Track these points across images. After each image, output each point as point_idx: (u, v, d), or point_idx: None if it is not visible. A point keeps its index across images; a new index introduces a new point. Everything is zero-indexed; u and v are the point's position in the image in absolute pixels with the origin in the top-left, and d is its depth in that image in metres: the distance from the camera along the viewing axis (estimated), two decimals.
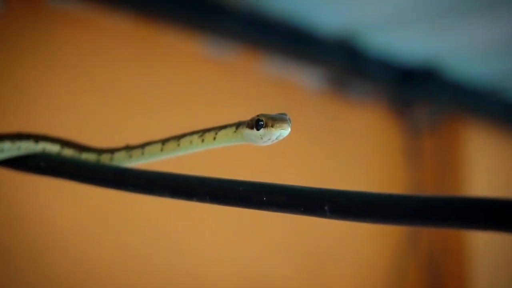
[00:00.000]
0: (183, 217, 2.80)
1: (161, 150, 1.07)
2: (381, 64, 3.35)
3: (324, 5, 2.93)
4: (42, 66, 2.51)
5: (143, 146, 1.08)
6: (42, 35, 2.53)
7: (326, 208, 0.83)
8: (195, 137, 1.05)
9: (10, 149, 1.10)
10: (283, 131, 0.97)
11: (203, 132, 1.04)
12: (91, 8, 2.63)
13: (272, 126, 0.97)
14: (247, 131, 0.99)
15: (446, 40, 3.22)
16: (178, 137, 1.06)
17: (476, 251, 3.53)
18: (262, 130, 0.98)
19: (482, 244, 3.55)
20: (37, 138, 1.12)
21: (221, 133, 1.03)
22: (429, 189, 3.53)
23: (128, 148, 1.09)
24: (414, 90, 3.47)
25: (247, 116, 1.01)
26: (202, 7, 2.82)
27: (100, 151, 1.11)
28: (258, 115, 0.98)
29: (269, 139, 0.98)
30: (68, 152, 1.12)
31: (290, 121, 0.97)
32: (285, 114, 0.98)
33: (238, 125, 1.01)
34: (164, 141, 1.07)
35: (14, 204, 2.42)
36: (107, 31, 2.67)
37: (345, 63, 3.24)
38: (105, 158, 1.10)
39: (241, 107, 2.89)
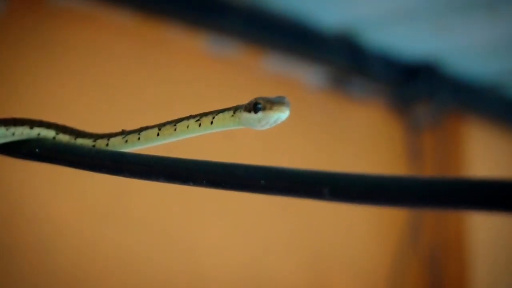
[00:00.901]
0: (183, 214, 2.79)
1: (158, 135, 1.05)
2: (382, 62, 3.34)
3: (325, 2, 2.92)
4: (43, 64, 2.50)
5: (139, 131, 1.06)
6: (43, 33, 2.52)
7: (325, 191, 0.81)
8: (192, 122, 1.03)
9: (4, 135, 1.08)
10: (281, 114, 0.95)
11: (200, 116, 1.03)
12: (92, 5, 2.62)
13: (270, 109, 0.95)
14: (245, 115, 0.98)
15: (448, 38, 3.21)
16: (175, 122, 1.04)
17: (477, 248, 3.52)
18: (260, 113, 0.96)
19: (483, 240, 3.54)
20: (32, 123, 1.10)
21: (219, 117, 1.01)
22: None
23: (124, 133, 1.08)
24: (415, 88, 3.46)
25: None
26: (204, 4, 2.81)
27: (95, 136, 1.09)
28: (256, 98, 0.96)
29: (267, 123, 0.96)
30: (64, 138, 1.10)
31: (288, 104, 0.95)
32: (284, 97, 0.96)
33: (235, 108, 1.00)
34: (160, 126, 1.05)
35: (13, 201, 2.40)
36: (109, 29, 2.66)
37: (346, 60, 3.23)
38: (100, 144, 1.08)
39: (242, 103, 2.87)
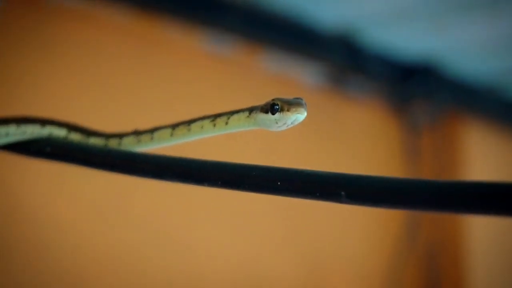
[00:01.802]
0: (181, 213, 2.79)
1: (171, 135, 1.05)
2: (380, 61, 3.35)
3: (324, 1, 2.92)
4: (41, 63, 2.49)
5: (152, 131, 1.06)
6: (41, 32, 2.51)
7: (342, 193, 0.81)
8: (207, 122, 1.02)
9: (15, 133, 1.08)
10: (299, 115, 0.96)
11: (214, 116, 1.02)
12: (91, 4, 2.61)
13: (288, 110, 0.95)
14: (262, 116, 0.97)
15: (446, 38, 3.21)
16: (189, 122, 1.04)
17: (474, 247, 3.53)
18: (277, 115, 0.96)
19: (480, 239, 3.55)
20: (43, 122, 1.09)
21: (234, 117, 1.00)
22: None
23: (136, 132, 1.07)
24: (413, 87, 3.46)
25: None
26: (203, 2, 2.81)
27: (108, 136, 1.09)
28: (273, 99, 0.96)
29: (284, 124, 0.96)
30: (75, 137, 1.10)
31: (306, 105, 0.96)
32: (301, 99, 0.96)
33: (251, 109, 0.99)
34: (174, 126, 1.05)
35: (12, 201, 2.40)
36: (107, 28, 2.65)
37: (344, 59, 3.23)
38: (113, 143, 1.08)
39: (240, 102, 2.86)
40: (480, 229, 3.54)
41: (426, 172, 3.53)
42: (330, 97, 3.31)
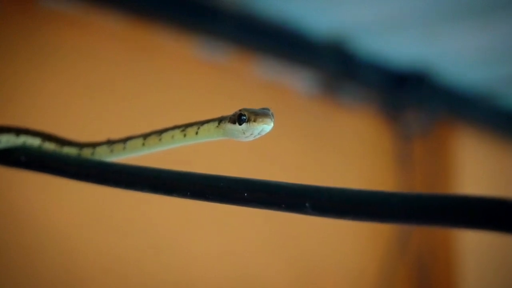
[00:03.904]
0: (175, 216, 2.79)
1: (143, 144, 1.05)
2: (373, 69, 3.35)
3: (316, 8, 2.92)
4: (33, 68, 2.50)
5: (124, 140, 1.07)
6: (34, 38, 2.51)
7: (307, 205, 0.81)
8: (177, 132, 1.03)
9: None
10: (265, 126, 0.96)
11: (185, 126, 1.03)
12: (83, 9, 2.61)
13: (254, 121, 0.95)
14: (229, 126, 0.98)
15: (438, 46, 3.22)
16: (160, 132, 1.04)
17: (465, 256, 3.53)
18: (244, 125, 0.96)
19: (470, 248, 3.55)
20: (18, 131, 1.09)
21: (204, 127, 1.01)
22: None
23: (109, 142, 1.08)
24: (405, 95, 3.46)
25: None
26: (194, 9, 2.81)
27: (81, 145, 1.09)
28: (240, 110, 0.97)
29: (251, 134, 0.97)
30: (50, 146, 1.10)
31: (273, 116, 0.96)
32: (268, 109, 0.96)
33: (220, 119, 1.00)
34: (145, 136, 1.05)
35: (5, 204, 2.40)
36: (100, 33, 2.66)
37: (337, 67, 3.23)
38: (86, 153, 1.08)
39: (232, 108, 2.86)
40: (471, 238, 3.54)
41: (418, 180, 3.53)
42: (322, 104, 3.31)
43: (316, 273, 3.18)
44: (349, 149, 3.40)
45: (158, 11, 2.76)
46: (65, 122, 2.53)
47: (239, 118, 0.96)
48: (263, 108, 0.96)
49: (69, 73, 2.58)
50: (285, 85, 3.20)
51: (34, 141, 1.10)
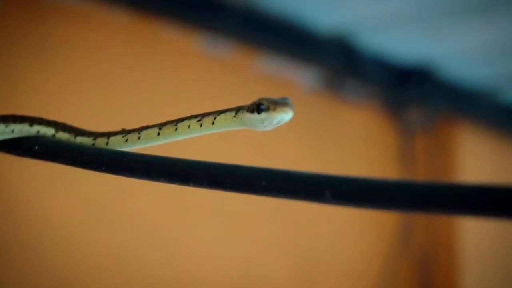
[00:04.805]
0: (176, 214, 2.79)
1: (158, 134, 1.05)
2: (376, 65, 3.35)
3: (320, 4, 2.92)
4: (38, 61, 2.49)
5: (139, 130, 1.06)
6: (38, 32, 2.51)
7: (327, 193, 0.81)
8: (194, 122, 1.02)
9: (3, 132, 1.07)
10: (285, 115, 0.95)
11: (202, 116, 1.02)
12: (88, 3, 2.61)
13: (274, 110, 0.95)
14: (248, 115, 0.97)
15: (441, 42, 3.22)
16: (176, 121, 1.04)
17: (467, 251, 3.53)
18: (263, 114, 0.96)
19: (473, 242, 3.56)
20: (31, 120, 1.09)
21: (220, 117, 1.00)
22: None
23: (124, 132, 1.07)
24: (408, 91, 3.47)
25: None
26: (199, 4, 2.81)
27: (95, 135, 1.09)
28: (259, 99, 0.96)
29: (270, 124, 0.96)
30: (63, 136, 1.09)
31: (292, 105, 0.95)
32: (287, 99, 0.96)
33: (238, 109, 0.99)
34: (161, 126, 1.05)
35: (5, 204, 2.40)
36: (105, 28, 2.66)
37: (340, 62, 3.23)
38: (100, 142, 1.08)
39: (236, 103, 2.86)
40: (473, 233, 3.54)
41: (420, 176, 3.54)
42: (325, 100, 3.31)
43: (319, 271, 3.18)
44: (352, 144, 3.40)
45: (163, 6, 2.76)
46: (70, 115, 2.51)
47: (258, 107, 0.96)
48: (282, 98, 0.96)
49: (73, 67, 2.58)
50: (289, 80, 3.20)
51: (48, 131, 1.09)
